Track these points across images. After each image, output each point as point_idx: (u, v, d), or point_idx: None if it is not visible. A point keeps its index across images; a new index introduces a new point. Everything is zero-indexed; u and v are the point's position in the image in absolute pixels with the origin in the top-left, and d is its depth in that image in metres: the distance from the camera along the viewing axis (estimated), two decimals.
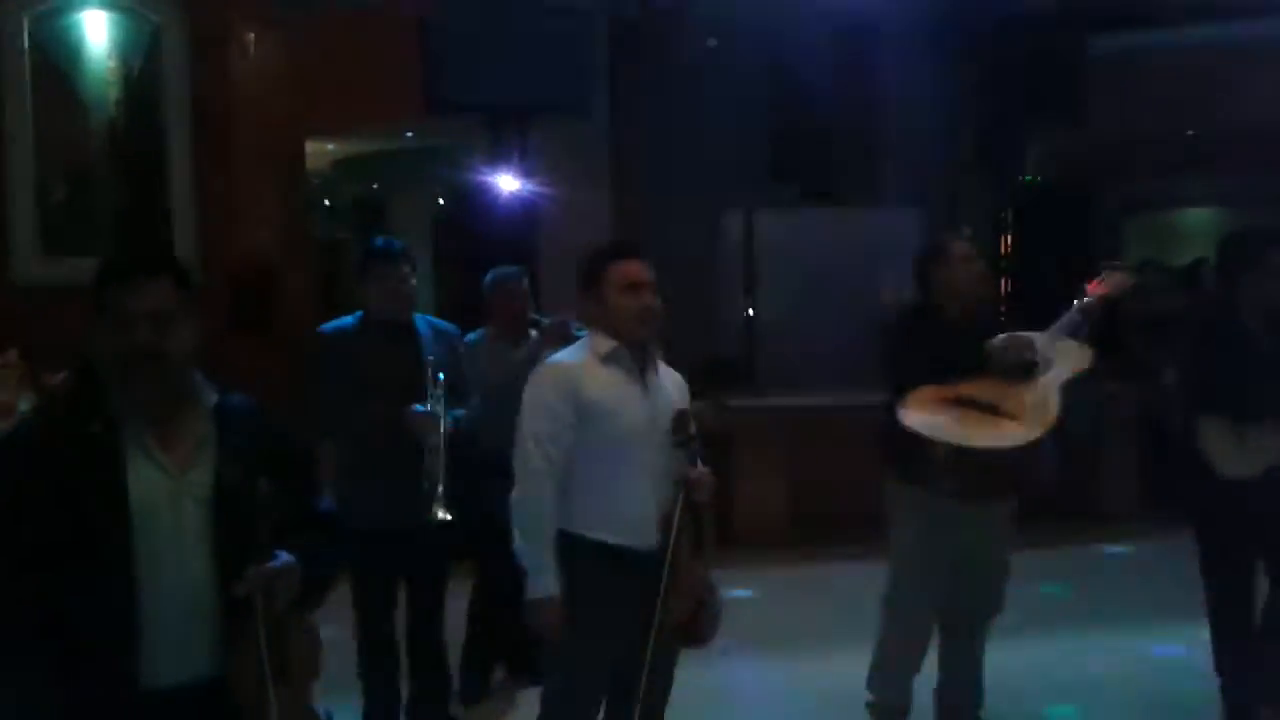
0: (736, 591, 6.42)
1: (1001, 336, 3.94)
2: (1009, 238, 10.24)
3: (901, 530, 4.16)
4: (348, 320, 4.36)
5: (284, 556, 2.39)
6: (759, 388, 8.50)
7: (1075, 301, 4.07)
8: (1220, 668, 4.30)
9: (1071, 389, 3.86)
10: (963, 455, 3.76)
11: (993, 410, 3.77)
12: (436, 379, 4.15)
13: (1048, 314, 4.16)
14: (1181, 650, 5.25)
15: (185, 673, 2.34)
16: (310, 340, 4.40)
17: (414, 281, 4.36)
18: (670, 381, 3.42)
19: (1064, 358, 3.93)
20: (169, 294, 2.37)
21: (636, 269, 3.28)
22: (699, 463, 3.25)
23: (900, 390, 3.92)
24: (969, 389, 3.83)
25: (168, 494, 2.35)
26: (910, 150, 10.34)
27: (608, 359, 3.24)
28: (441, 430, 4.07)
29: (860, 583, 6.53)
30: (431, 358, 4.22)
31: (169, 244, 7.44)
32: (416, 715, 4.54)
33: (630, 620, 3.12)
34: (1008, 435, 3.73)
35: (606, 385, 3.21)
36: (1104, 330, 4.10)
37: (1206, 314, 4.41)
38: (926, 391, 3.86)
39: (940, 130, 10.48)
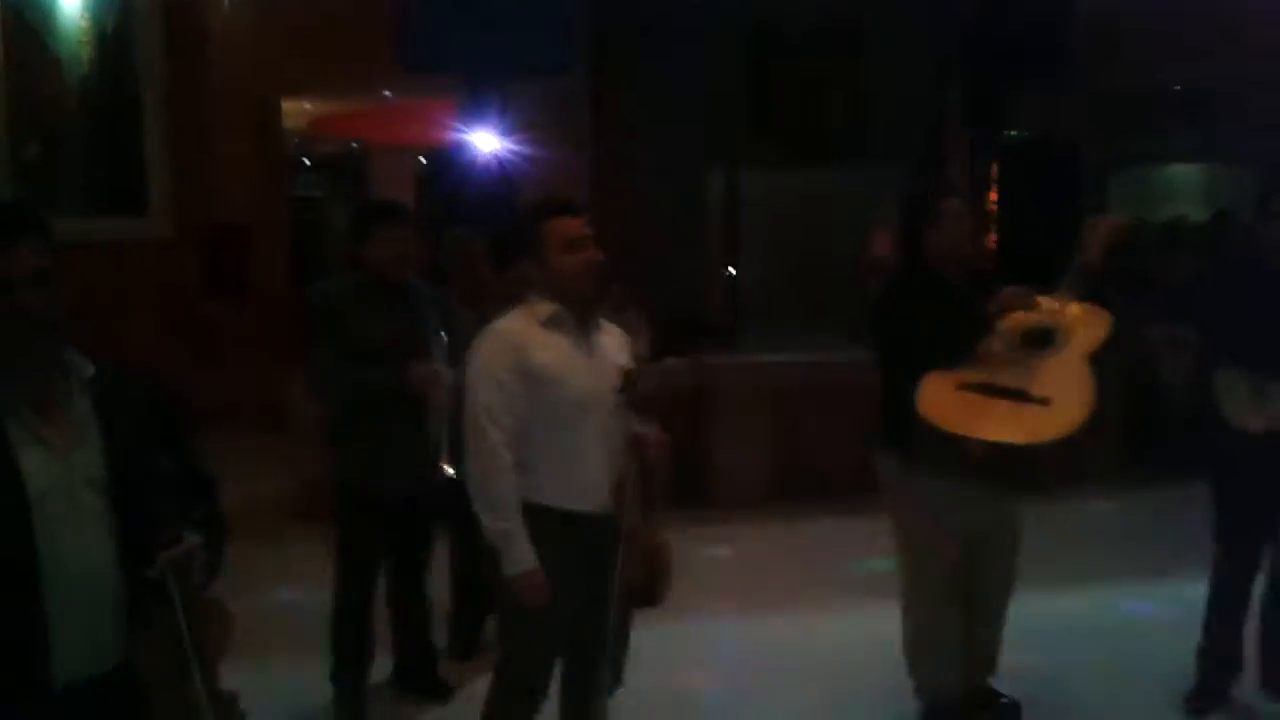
0: (716, 551, 6.40)
1: (1009, 292, 3.66)
2: (994, 193, 10.16)
3: (904, 510, 3.93)
4: (340, 283, 4.29)
5: (191, 535, 2.24)
6: (740, 346, 8.43)
7: (1075, 259, 3.75)
8: (1209, 626, 4.22)
9: (1097, 360, 3.57)
10: (996, 450, 3.46)
11: (1018, 396, 3.50)
12: (439, 337, 4.10)
13: (1035, 270, 3.95)
14: (1157, 609, 5.25)
15: (96, 664, 2.20)
16: (306, 301, 4.28)
17: (414, 243, 4.27)
18: (613, 339, 3.32)
19: (1081, 325, 3.63)
20: (45, 254, 2.17)
21: (575, 224, 3.17)
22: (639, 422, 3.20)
23: (898, 362, 3.69)
24: (991, 374, 3.55)
25: (61, 478, 2.16)
26: (895, 106, 10.25)
27: (549, 323, 3.14)
28: (446, 387, 4.02)
29: (841, 543, 6.56)
30: (431, 319, 4.19)
31: (29, 204, 7.32)
32: (405, 680, 4.52)
33: (585, 584, 3.07)
34: (1046, 426, 3.44)
35: (551, 350, 3.11)
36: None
37: (1231, 267, 4.23)
38: (942, 379, 3.58)
39: (925, 86, 10.38)
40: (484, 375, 3.09)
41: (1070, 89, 10.17)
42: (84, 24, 7.73)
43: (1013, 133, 10.80)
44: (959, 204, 3.92)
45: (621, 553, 3.06)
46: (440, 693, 4.48)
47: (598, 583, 3.06)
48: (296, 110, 10.44)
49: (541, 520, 3.08)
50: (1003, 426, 3.46)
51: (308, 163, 12.39)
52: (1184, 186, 12.26)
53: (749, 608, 5.50)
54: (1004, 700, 4.08)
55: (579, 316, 3.18)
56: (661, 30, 9.50)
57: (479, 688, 4.47)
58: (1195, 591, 4.29)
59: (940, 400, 3.56)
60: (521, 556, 3.04)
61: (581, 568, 3.08)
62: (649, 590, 3.23)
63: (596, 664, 3.10)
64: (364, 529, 4.24)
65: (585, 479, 3.13)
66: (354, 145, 12.37)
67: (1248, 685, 4.26)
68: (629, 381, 3.15)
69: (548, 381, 3.07)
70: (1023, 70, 9.94)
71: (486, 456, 3.06)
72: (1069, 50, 9.81)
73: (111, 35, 7.89)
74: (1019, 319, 3.66)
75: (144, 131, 7.95)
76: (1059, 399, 3.48)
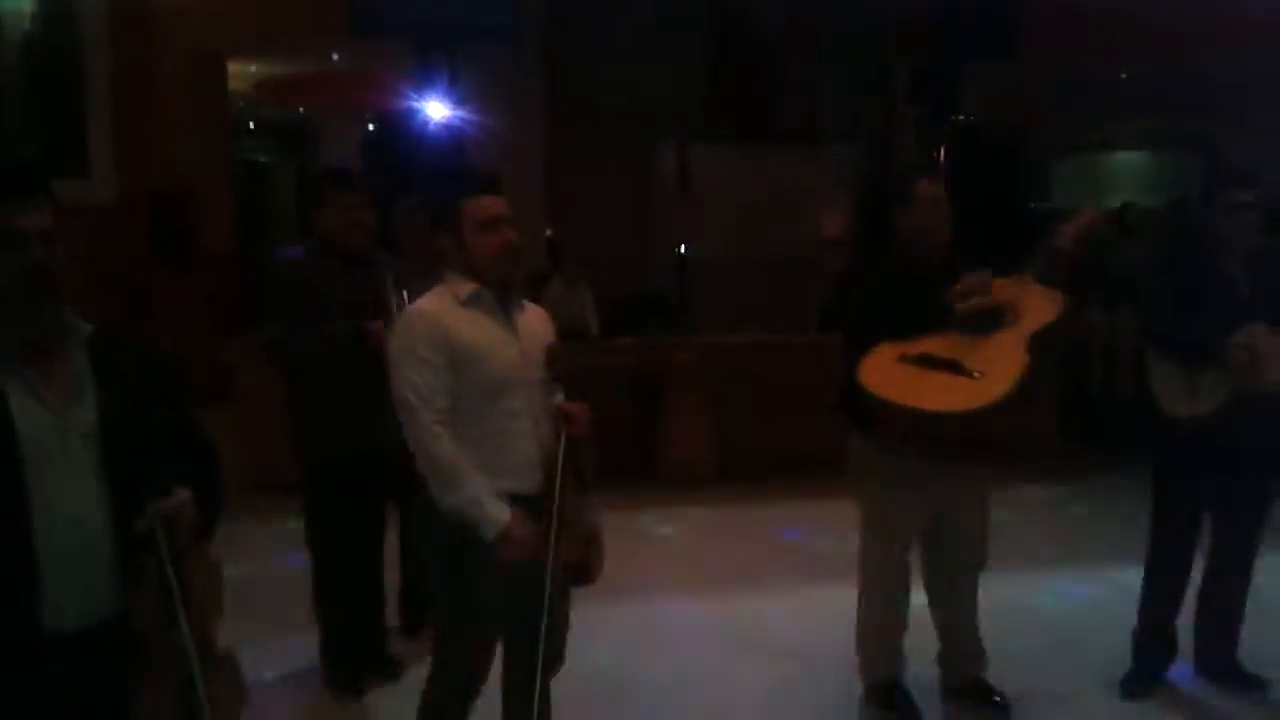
0: (664, 529, 6.43)
1: (968, 278, 3.67)
2: (942, 176, 10.24)
3: (867, 488, 3.97)
4: (297, 250, 4.22)
5: (181, 490, 2.30)
6: (689, 324, 8.44)
7: (1045, 243, 3.77)
8: (1144, 610, 4.30)
9: (1042, 339, 3.58)
10: (920, 420, 3.52)
11: (954, 369, 3.51)
12: (402, 300, 4.01)
13: (979, 253, 3.88)
14: (1095, 593, 5.35)
15: (88, 614, 2.27)
16: (268, 266, 4.21)
17: (371, 210, 4.22)
18: (536, 317, 3.30)
19: (1032, 305, 3.65)
20: (51, 214, 2.25)
21: (493, 204, 3.11)
22: (564, 396, 3.17)
23: (860, 343, 3.70)
24: (930, 346, 3.58)
25: (55, 431, 2.24)
26: (845, 87, 10.29)
27: (469, 302, 3.10)
28: None
29: (790, 522, 6.62)
30: (393, 281, 4.16)
31: (39, 163, 7.18)
32: (352, 653, 4.45)
33: (522, 563, 3.04)
34: (966, 397, 3.44)
35: (473, 329, 3.07)
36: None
37: (1172, 257, 4.27)
38: (886, 350, 3.63)
39: (875, 68, 10.43)
40: (409, 355, 3.04)
41: (1016, 74, 10.28)
42: None
43: (959, 117, 10.88)
44: (934, 187, 3.86)
45: (556, 529, 3.04)
46: (389, 669, 4.45)
47: (533, 561, 3.04)
48: (242, 73, 10.26)
49: None
50: (928, 396, 3.49)
51: (253, 126, 12.19)
52: (1128, 173, 12.43)
53: (696, 586, 5.54)
54: (996, 699, 4.11)
55: (499, 295, 3.14)
56: (614, 3, 9.47)
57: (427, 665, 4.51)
58: (1132, 576, 4.38)
59: (879, 370, 3.59)
60: (495, 516, 3.00)
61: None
62: (583, 568, 3.19)
63: (536, 643, 3.09)
64: (331, 496, 4.19)
65: (513, 458, 3.09)
66: (300, 110, 12.18)
67: (1185, 669, 4.37)
68: (554, 359, 3.14)
69: (470, 360, 3.04)
70: (970, 54, 10.02)
71: (425, 436, 3.02)
72: (1016, 35, 9.90)
73: None
74: (974, 297, 3.66)
75: (87, 92, 7.78)
76: (989, 373, 3.50)
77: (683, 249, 9.34)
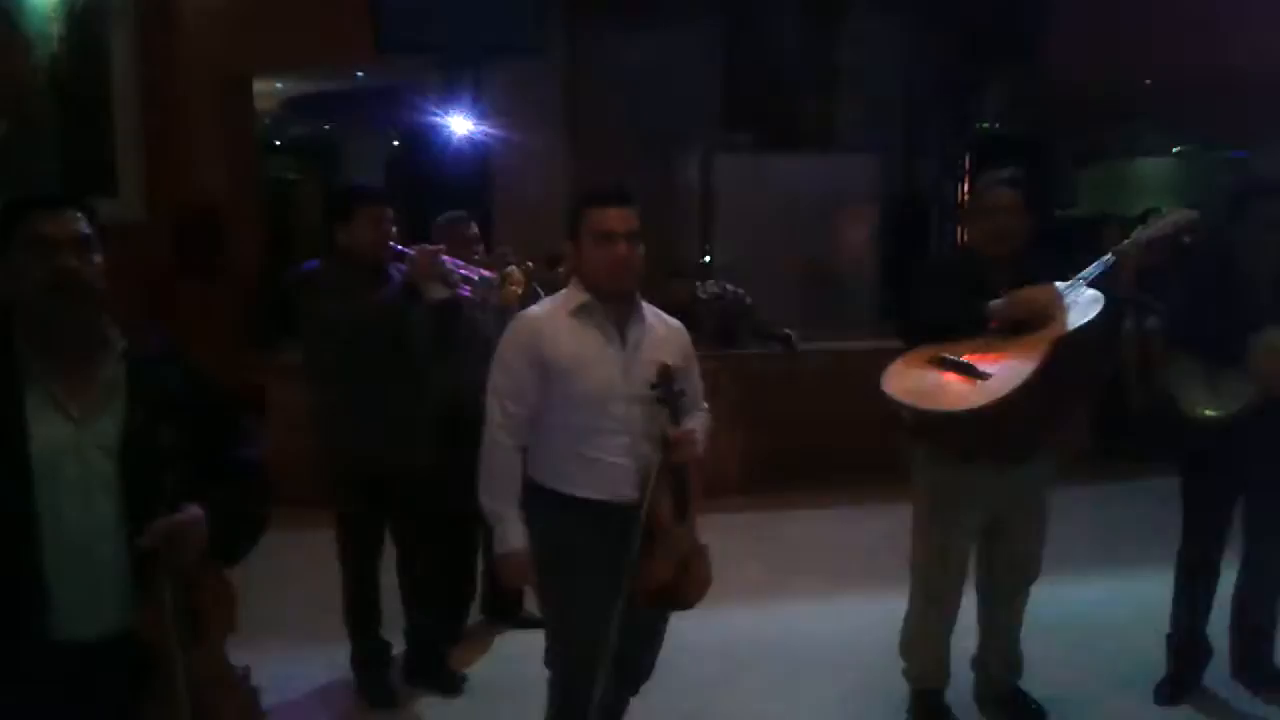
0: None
1: (1017, 293, 3.63)
2: (965, 184, 10.21)
3: (918, 493, 3.97)
4: (313, 264, 4.22)
5: (191, 508, 2.29)
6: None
7: (1109, 248, 3.74)
8: (1176, 614, 4.31)
9: (1072, 341, 3.50)
10: (922, 420, 3.56)
11: (967, 371, 3.52)
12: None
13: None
14: (1126, 597, 5.31)
15: (96, 626, 2.29)
16: (291, 280, 4.19)
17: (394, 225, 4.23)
18: (662, 334, 3.25)
19: (1073, 310, 3.58)
20: (84, 223, 2.29)
21: (611, 217, 3.08)
22: (680, 420, 3.11)
23: (906, 346, 3.73)
24: (957, 348, 3.59)
25: (73, 443, 2.25)
26: (867, 95, 10.28)
27: (577, 312, 3.12)
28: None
29: (817, 531, 6.61)
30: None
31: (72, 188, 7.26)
32: (414, 670, 4.49)
33: (615, 574, 3.05)
34: (963, 399, 3.45)
35: (571, 340, 3.09)
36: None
37: (1196, 261, 4.25)
38: (918, 353, 3.66)
39: (897, 75, 10.41)
40: (498, 359, 3.15)
41: (1040, 81, 10.23)
42: (53, 1, 7.61)
43: (984, 125, 10.84)
44: (997, 198, 3.80)
45: (640, 549, 3.05)
46: (450, 685, 4.43)
47: (620, 576, 3.06)
48: (268, 90, 10.34)
49: (560, 507, 3.12)
50: (932, 396, 3.52)
51: (278, 144, 12.28)
52: (1152, 180, 12.35)
53: (726, 595, 5.52)
54: (1033, 708, 4.11)
55: (612, 308, 3.15)
56: (633, 14, 9.49)
57: (491, 678, 4.49)
58: (1165, 580, 4.35)
59: (901, 371, 3.63)
60: (507, 537, 3.08)
61: (609, 557, 3.07)
62: (675, 591, 3.17)
63: (619, 658, 3.09)
64: (361, 509, 4.22)
65: (604, 470, 3.11)
66: (326, 127, 12.27)
67: (1221, 675, 4.33)
68: (664, 378, 3.10)
69: (564, 372, 3.08)
70: (994, 59, 9.97)
71: (487, 437, 3.12)
72: (1038, 41, 9.84)
73: (81, 13, 7.77)
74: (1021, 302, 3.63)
75: (114, 111, 7.85)
76: (996, 376, 3.48)
77: (707, 259, 9.32)
